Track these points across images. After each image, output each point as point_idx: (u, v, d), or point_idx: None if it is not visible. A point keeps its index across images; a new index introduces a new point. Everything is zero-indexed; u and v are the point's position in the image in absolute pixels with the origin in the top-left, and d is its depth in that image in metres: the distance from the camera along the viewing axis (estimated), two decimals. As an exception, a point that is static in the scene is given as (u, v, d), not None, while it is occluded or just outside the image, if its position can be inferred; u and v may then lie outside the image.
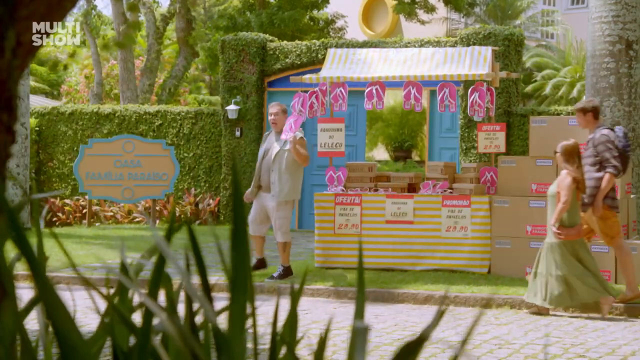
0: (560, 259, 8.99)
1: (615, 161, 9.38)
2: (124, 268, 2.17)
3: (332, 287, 10.40)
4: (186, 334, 1.84)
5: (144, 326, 2.00)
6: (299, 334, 2.21)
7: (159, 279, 2.07)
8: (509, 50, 15.75)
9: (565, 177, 9.00)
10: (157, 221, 17.65)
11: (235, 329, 1.87)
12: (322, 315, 9.07)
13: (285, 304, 2.17)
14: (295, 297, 2.12)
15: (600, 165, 9.47)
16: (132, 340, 2.09)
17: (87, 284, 2.13)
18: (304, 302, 9.88)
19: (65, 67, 32.53)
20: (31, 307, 2.17)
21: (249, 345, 2.00)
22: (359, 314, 1.94)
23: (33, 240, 1.87)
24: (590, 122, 9.67)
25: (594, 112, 9.65)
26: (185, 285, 1.94)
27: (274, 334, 2.05)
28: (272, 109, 10.82)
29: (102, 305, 2.22)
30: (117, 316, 2.04)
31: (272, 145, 10.73)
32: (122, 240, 14.35)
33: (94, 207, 18.37)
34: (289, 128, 11.34)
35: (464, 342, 1.72)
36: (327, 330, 2.13)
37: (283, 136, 10.74)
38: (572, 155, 9.04)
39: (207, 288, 1.97)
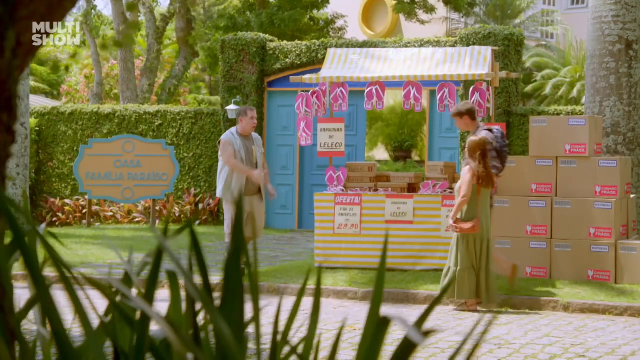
0: (459, 252, 9.17)
1: (494, 162, 9.87)
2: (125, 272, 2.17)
3: (332, 287, 10.40)
4: (187, 339, 1.83)
5: (141, 325, 1.99)
6: (299, 334, 2.20)
7: (156, 279, 2.07)
8: (509, 50, 15.74)
9: (466, 173, 9.17)
10: (157, 221, 17.64)
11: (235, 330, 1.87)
12: (322, 315, 9.06)
13: (284, 303, 2.16)
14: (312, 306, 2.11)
15: None
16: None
17: (92, 283, 2.13)
18: (304, 302, 9.86)
19: (67, 69, 32.49)
20: (30, 307, 2.17)
21: (249, 345, 2.00)
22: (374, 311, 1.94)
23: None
24: (469, 125, 10.13)
25: (470, 115, 10.10)
26: (187, 285, 1.94)
27: (275, 334, 2.05)
28: (254, 112, 10.83)
29: (101, 305, 2.21)
30: (119, 314, 2.04)
31: (250, 150, 10.80)
32: (122, 241, 14.36)
33: (94, 207, 18.36)
34: (304, 132, 11.76)
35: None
36: (338, 335, 2.14)
37: (302, 142, 11.61)
38: (476, 151, 9.17)
39: (209, 288, 1.97)
